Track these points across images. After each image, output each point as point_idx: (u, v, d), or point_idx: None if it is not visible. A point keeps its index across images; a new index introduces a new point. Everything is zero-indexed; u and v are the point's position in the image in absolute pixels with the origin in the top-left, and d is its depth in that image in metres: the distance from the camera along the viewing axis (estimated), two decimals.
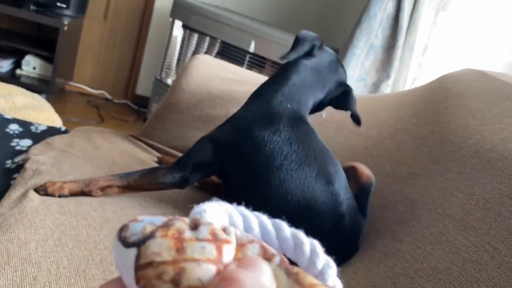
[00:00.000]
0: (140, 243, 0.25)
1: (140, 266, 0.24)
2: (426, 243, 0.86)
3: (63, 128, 1.62)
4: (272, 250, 0.27)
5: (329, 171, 1.01)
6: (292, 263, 0.27)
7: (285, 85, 1.07)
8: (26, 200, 0.91)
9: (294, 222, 0.97)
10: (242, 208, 0.31)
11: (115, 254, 0.27)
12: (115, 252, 0.27)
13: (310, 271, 0.28)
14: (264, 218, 0.31)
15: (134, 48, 3.73)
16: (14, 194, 0.95)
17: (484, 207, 0.83)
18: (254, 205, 1.05)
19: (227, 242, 0.26)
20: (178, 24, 3.12)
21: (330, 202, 0.99)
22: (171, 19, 3.15)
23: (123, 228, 0.27)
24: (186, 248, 0.25)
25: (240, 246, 0.27)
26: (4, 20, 3.44)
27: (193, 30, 3.00)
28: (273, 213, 0.98)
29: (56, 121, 1.90)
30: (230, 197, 1.08)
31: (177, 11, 3.08)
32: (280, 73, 1.11)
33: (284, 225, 0.30)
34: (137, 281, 0.24)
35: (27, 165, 1.08)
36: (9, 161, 1.28)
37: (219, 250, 0.25)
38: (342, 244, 1.00)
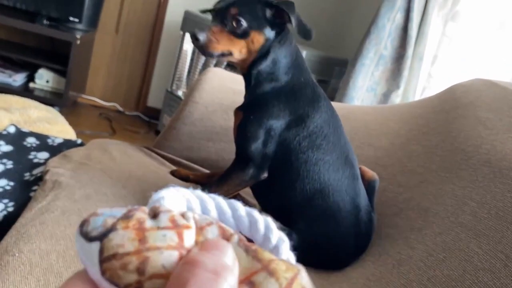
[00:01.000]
0: (102, 237, 0.26)
1: (105, 259, 0.25)
2: (439, 250, 0.87)
3: (79, 141, 1.65)
4: (230, 230, 0.28)
5: (352, 161, 1.07)
6: (249, 240, 0.28)
7: (297, 59, 1.08)
8: (47, 212, 0.93)
9: (316, 207, 0.97)
10: (199, 192, 0.32)
11: (78, 248, 0.27)
12: (78, 246, 0.27)
13: (265, 246, 0.29)
14: (220, 199, 0.32)
15: (145, 61, 3.77)
16: (36, 205, 0.97)
17: (496, 216, 0.84)
18: (281, 187, 1.04)
19: (187, 227, 0.27)
20: (188, 37, 3.16)
21: (351, 191, 1.04)
22: (181, 32, 3.19)
23: (84, 223, 0.27)
24: (148, 237, 0.25)
25: (200, 229, 0.28)
26: (17, 35, 3.50)
27: None
28: (299, 195, 0.98)
29: (70, 134, 1.93)
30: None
31: (188, 24, 3.12)
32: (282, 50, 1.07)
33: (239, 205, 0.31)
34: (103, 273, 0.25)
35: (47, 177, 1.10)
36: (27, 174, 1.31)
37: (180, 236, 0.26)
38: (359, 234, 1.04)
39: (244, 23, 1.00)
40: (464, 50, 2.17)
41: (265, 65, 1.04)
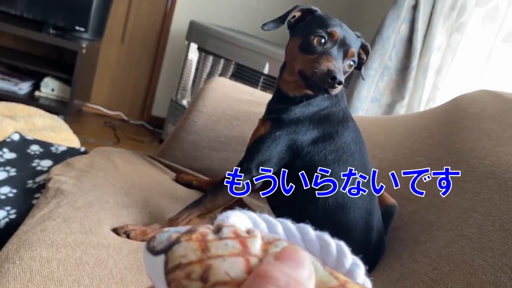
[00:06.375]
0: (167, 249, 0.27)
1: (170, 270, 0.26)
2: (443, 264, 0.86)
3: (83, 149, 1.65)
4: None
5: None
6: None
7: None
8: (49, 219, 0.93)
9: (335, 222, 0.93)
10: (265, 215, 0.32)
11: (146, 264, 0.28)
12: (145, 262, 0.28)
13: (338, 270, 0.29)
14: (288, 223, 0.31)
15: (150, 70, 3.79)
16: (37, 213, 0.97)
17: (500, 228, 0.84)
18: (303, 198, 0.99)
19: (251, 237, 0.27)
20: (193, 46, 3.18)
21: (366, 211, 1.02)
22: (186, 42, 3.21)
23: (151, 239, 0.28)
24: (210, 247, 0.26)
25: (267, 243, 0.27)
26: (24, 43, 3.53)
27: (208, 52, 3.05)
28: (320, 208, 0.98)
29: (74, 142, 1.94)
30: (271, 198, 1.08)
31: (193, 34, 3.14)
32: None
33: (308, 228, 0.31)
34: (168, 284, 0.26)
35: (49, 184, 1.10)
36: (30, 181, 1.31)
37: (243, 244, 0.26)
38: (368, 253, 1.03)
39: (353, 65, 1.00)
40: (469, 62, 2.17)
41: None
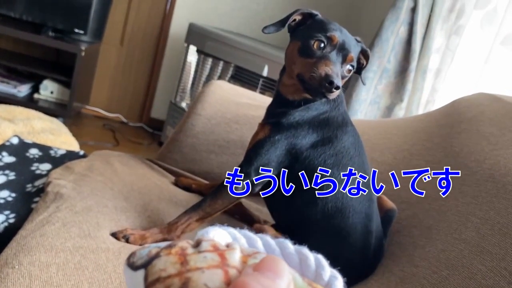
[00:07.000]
0: (147, 264, 0.27)
1: (149, 284, 0.26)
2: (442, 268, 0.86)
3: (82, 152, 1.65)
4: None
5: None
6: None
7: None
8: (48, 223, 0.93)
9: (333, 226, 0.92)
10: (245, 231, 0.32)
11: (126, 279, 0.29)
12: (126, 277, 0.29)
13: (317, 283, 0.29)
14: (268, 237, 0.32)
15: (149, 72, 3.79)
16: (37, 217, 0.97)
17: (499, 232, 0.84)
18: (302, 202, 0.98)
19: (230, 249, 0.28)
20: (192, 49, 3.18)
21: (365, 216, 1.02)
22: (185, 45, 3.21)
23: (131, 255, 0.29)
24: (189, 260, 0.26)
25: (247, 256, 0.28)
26: (23, 46, 3.53)
27: (207, 55, 3.05)
28: (319, 212, 0.98)
29: (73, 145, 1.94)
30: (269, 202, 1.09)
31: (192, 36, 3.14)
32: None
33: (288, 243, 0.31)
34: None
35: (49, 188, 1.10)
36: (29, 185, 1.31)
37: (222, 256, 0.27)
38: (367, 258, 1.02)
39: (352, 70, 1.00)
40: (468, 64, 2.17)
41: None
